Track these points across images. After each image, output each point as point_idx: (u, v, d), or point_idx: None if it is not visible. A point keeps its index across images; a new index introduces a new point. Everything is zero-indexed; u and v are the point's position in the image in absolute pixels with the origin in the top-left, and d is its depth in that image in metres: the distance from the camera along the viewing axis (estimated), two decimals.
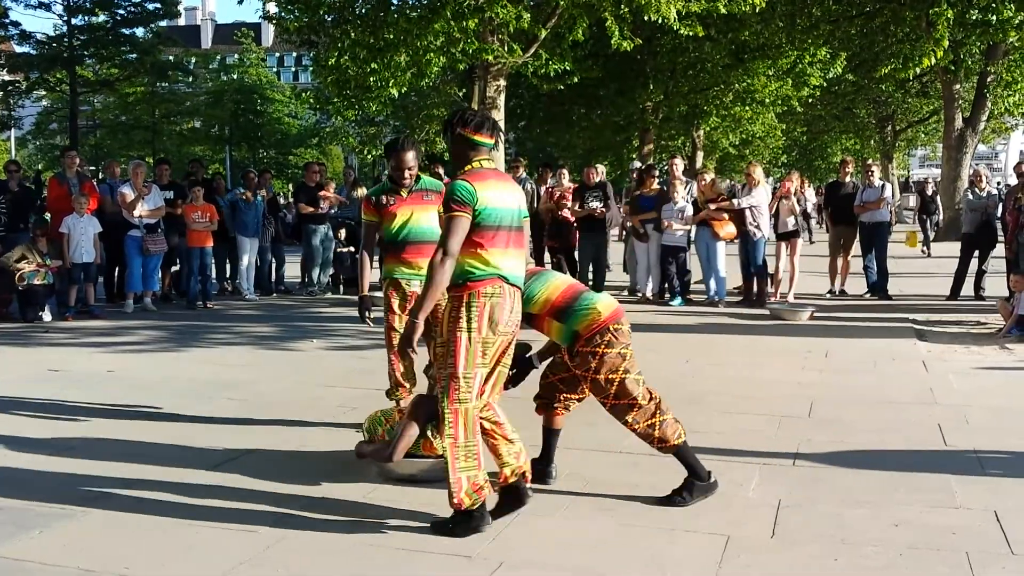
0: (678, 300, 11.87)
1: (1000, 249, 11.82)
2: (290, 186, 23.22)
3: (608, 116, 25.31)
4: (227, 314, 11.70)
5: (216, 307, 12.17)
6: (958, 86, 19.52)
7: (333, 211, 13.56)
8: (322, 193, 13.45)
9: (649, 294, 12.40)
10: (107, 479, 4.84)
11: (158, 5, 32.29)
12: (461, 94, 18.16)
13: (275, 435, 5.75)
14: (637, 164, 16.57)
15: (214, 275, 12.78)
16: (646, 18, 12.83)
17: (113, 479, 4.84)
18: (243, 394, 6.98)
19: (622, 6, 13.24)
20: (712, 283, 11.95)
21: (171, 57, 37.16)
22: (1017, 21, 14.28)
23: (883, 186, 12.88)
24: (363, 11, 14.17)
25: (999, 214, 12.02)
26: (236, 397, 6.88)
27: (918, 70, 14.30)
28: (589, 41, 15.82)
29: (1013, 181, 13.10)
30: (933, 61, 13.63)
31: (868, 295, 12.55)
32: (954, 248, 13.47)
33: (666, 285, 12.17)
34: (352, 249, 13.26)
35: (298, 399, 6.80)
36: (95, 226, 11.26)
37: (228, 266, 13.61)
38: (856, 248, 12.95)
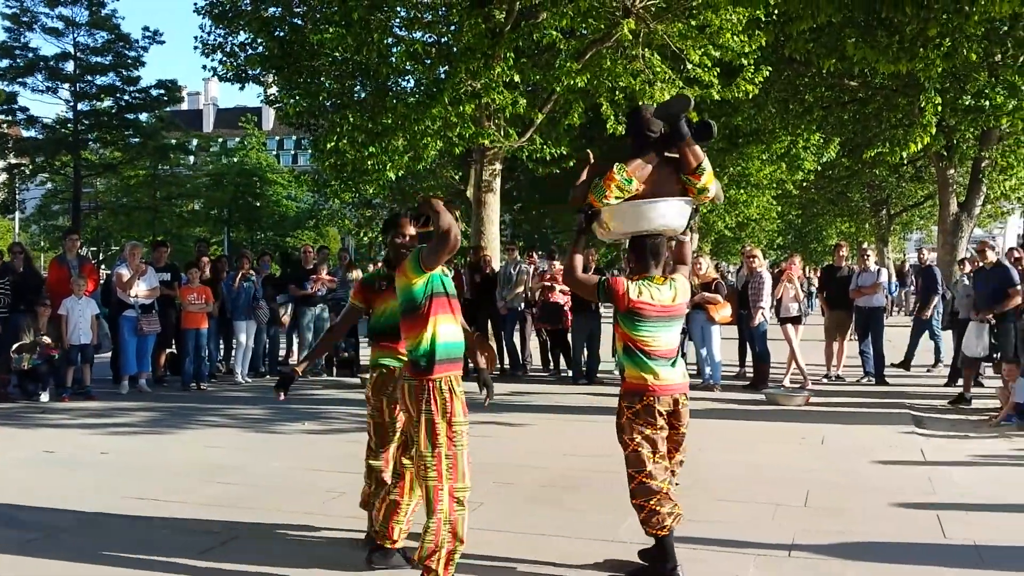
0: None
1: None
2: (287, 269, 23.39)
3: None
4: (220, 396, 11.63)
5: (210, 389, 12.11)
6: (952, 171, 19.72)
7: (323, 292, 13.56)
8: (314, 276, 13.50)
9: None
10: (96, 563, 4.78)
11: (162, 91, 32.87)
12: (457, 177, 18.35)
13: (265, 520, 5.66)
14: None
15: (206, 356, 12.73)
16: (640, 104, 13.02)
17: (102, 563, 4.78)
18: (234, 477, 6.92)
19: (616, 93, 13.48)
20: (707, 367, 11.90)
21: (173, 140, 37.65)
22: (1010, 107, 14.51)
23: (879, 271, 12.92)
24: (362, 96, 14.42)
25: None
26: (227, 480, 6.82)
27: (906, 155, 14.47)
28: (585, 124, 16.06)
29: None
30: (920, 146, 13.81)
31: (864, 380, 12.48)
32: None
33: None
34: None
35: (289, 483, 6.73)
36: (93, 308, 11.31)
37: (222, 348, 13.60)
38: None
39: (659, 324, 4.55)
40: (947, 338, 13.08)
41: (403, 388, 4.44)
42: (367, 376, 5.18)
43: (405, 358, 4.85)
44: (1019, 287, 10.26)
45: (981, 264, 10.93)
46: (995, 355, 10.40)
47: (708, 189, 4.64)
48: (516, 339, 13.72)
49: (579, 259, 4.81)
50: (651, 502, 4.46)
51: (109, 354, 12.21)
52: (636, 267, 4.70)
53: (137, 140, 33.78)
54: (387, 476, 4.98)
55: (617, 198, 4.70)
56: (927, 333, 14.11)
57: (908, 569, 4.75)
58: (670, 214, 4.66)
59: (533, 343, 14.15)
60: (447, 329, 4.38)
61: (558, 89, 13.39)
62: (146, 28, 37.06)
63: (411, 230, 4.92)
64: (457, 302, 4.55)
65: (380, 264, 5.94)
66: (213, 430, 9.23)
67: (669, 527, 4.47)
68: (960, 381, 11.05)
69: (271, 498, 6.24)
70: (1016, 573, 4.73)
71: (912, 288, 13.42)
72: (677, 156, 4.70)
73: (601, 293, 4.74)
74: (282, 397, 5.10)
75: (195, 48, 14.93)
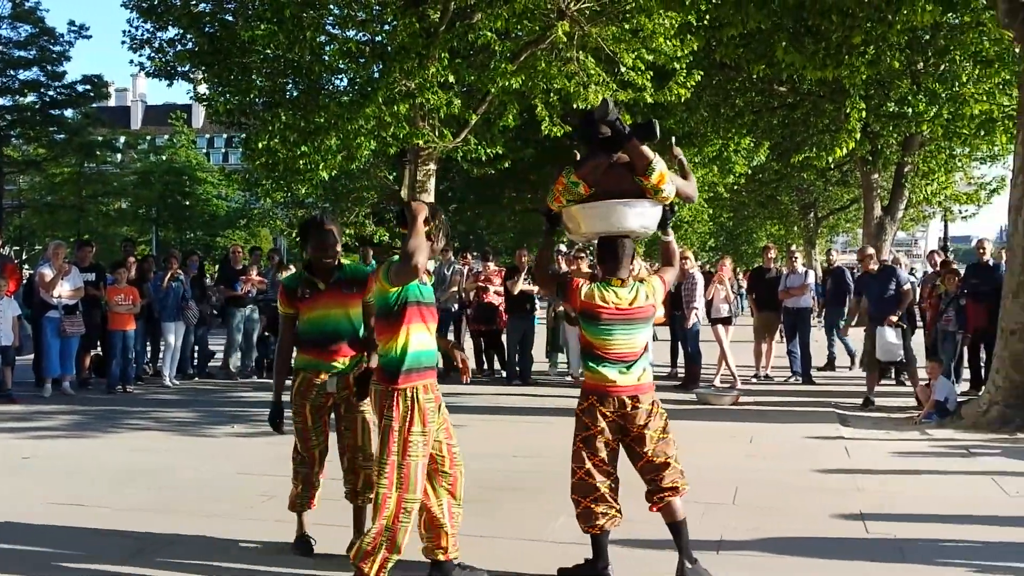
0: None
1: (918, 335, 12.11)
2: (216, 267, 22.99)
3: (540, 199, 25.60)
4: (147, 399, 11.42)
5: (136, 391, 11.85)
6: (876, 175, 20.24)
7: (254, 293, 13.37)
8: (243, 277, 13.30)
9: (582, 378, 12.40)
10: (15, 572, 4.65)
11: (88, 87, 32.08)
12: (392, 177, 18.23)
13: (191, 524, 5.57)
14: (563, 247, 16.75)
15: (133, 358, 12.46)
16: (575, 106, 13.09)
17: (21, 571, 4.65)
18: (160, 481, 6.80)
19: (551, 94, 13.52)
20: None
21: (100, 137, 36.73)
22: (931, 114, 14.94)
23: (806, 272, 13.19)
24: (294, 95, 14.24)
25: (917, 301, 12.36)
26: (153, 485, 6.70)
27: (832, 160, 14.81)
28: (521, 125, 16.08)
29: (930, 269, 13.55)
30: (846, 151, 14.14)
31: (792, 379, 12.72)
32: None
33: None
34: (268, 333, 13.26)
35: (217, 487, 6.63)
36: (14, 309, 10.99)
37: (148, 349, 13.33)
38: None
39: (614, 326, 4.54)
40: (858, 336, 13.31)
41: (371, 392, 4.46)
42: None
43: (334, 364, 4.85)
44: (907, 286, 10.69)
45: (865, 270, 11.19)
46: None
47: (662, 189, 4.61)
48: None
49: (545, 257, 5.01)
50: (587, 499, 4.51)
51: (32, 356, 11.87)
52: (601, 269, 4.73)
53: (62, 137, 32.98)
54: (316, 479, 4.95)
55: (569, 200, 4.73)
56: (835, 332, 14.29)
57: (832, 564, 4.86)
58: (623, 215, 4.63)
59: (468, 344, 14.14)
60: (419, 338, 4.37)
61: (493, 90, 13.38)
62: (72, 22, 36.15)
63: (329, 234, 4.88)
64: (434, 310, 4.53)
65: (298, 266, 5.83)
66: (139, 433, 9.03)
67: (601, 527, 4.51)
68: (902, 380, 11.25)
69: (199, 502, 6.14)
70: (935, 567, 4.86)
71: (823, 289, 13.68)
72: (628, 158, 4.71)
73: (559, 291, 4.80)
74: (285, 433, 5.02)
75: (123, 43, 14.59)
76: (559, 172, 4.85)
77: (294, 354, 5.01)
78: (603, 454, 4.54)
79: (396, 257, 4.36)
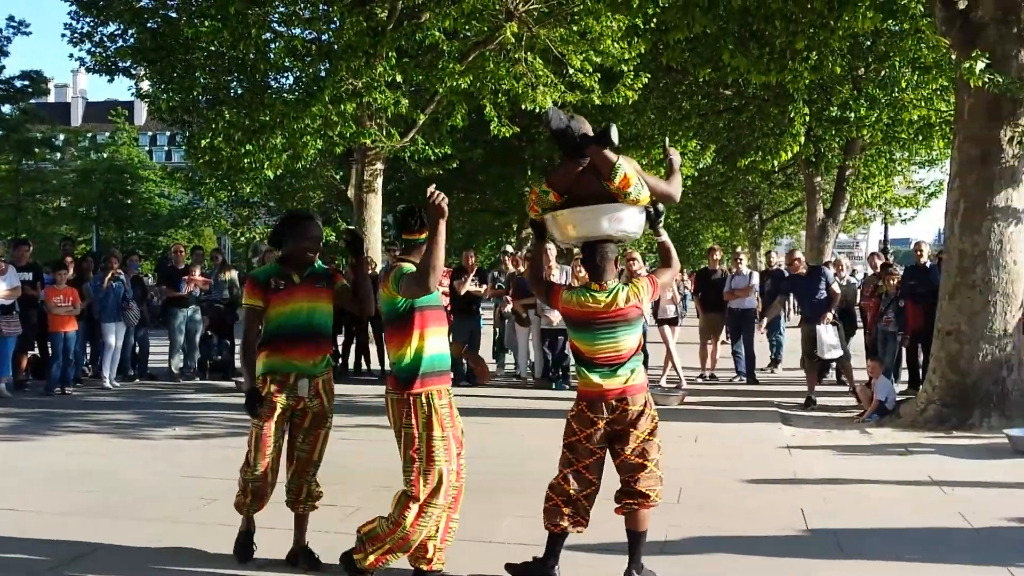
0: (558, 384, 11.93)
1: (859, 335, 12.34)
2: (154, 267, 22.67)
3: (488, 200, 25.64)
4: (86, 401, 11.17)
5: (75, 393, 11.60)
6: (819, 179, 20.59)
7: (197, 293, 13.17)
8: (186, 277, 13.09)
9: (531, 378, 12.43)
10: None
11: (27, 83, 31.35)
12: (338, 177, 18.11)
13: (131, 529, 5.45)
14: (509, 248, 16.77)
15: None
16: (523, 107, 13.12)
17: None
18: (98, 485, 6.66)
19: (500, 95, 13.54)
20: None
21: (39, 134, 35.91)
22: (873, 119, 15.24)
23: (751, 274, 13.35)
24: (239, 93, 14.08)
25: (858, 301, 12.58)
26: (90, 489, 6.56)
27: (777, 163, 15.04)
28: (468, 126, 16.07)
29: (870, 270, 13.78)
30: (790, 155, 14.38)
31: (737, 379, 12.87)
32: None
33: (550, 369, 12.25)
34: (211, 334, 13.04)
35: (157, 491, 6.50)
36: None
37: (88, 350, 13.04)
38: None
39: (594, 329, 4.52)
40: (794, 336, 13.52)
41: (387, 401, 4.42)
42: (242, 380, 4.96)
43: (305, 364, 4.67)
44: (835, 287, 10.98)
45: (795, 272, 11.38)
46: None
47: (628, 192, 4.56)
48: None
49: (536, 265, 5.08)
50: (558, 498, 4.55)
51: None
52: (586, 274, 4.74)
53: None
54: (268, 491, 4.74)
55: (545, 209, 4.75)
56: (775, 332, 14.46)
57: (774, 560, 4.93)
58: (596, 221, 4.61)
59: None
60: (434, 343, 4.37)
61: (441, 90, 13.38)
62: (11, 17, 35.17)
63: (315, 231, 4.77)
64: (443, 313, 4.51)
65: (268, 256, 5.69)
66: (78, 436, 8.82)
67: (563, 528, 4.53)
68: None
69: (138, 507, 6.01)
70: (873, 562, 4.95)
71: (764, 289, 13.86)
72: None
73: (546, 297, 4.85)
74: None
75: (63, 36, 14.29)
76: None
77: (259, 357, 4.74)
78: (587, 461, 4.54)
79: (407, 266, 4.31)
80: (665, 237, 4.92)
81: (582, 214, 4.65)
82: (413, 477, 4.28)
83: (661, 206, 4.90)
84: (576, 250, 5.14)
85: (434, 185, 4.27)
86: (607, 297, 4.52)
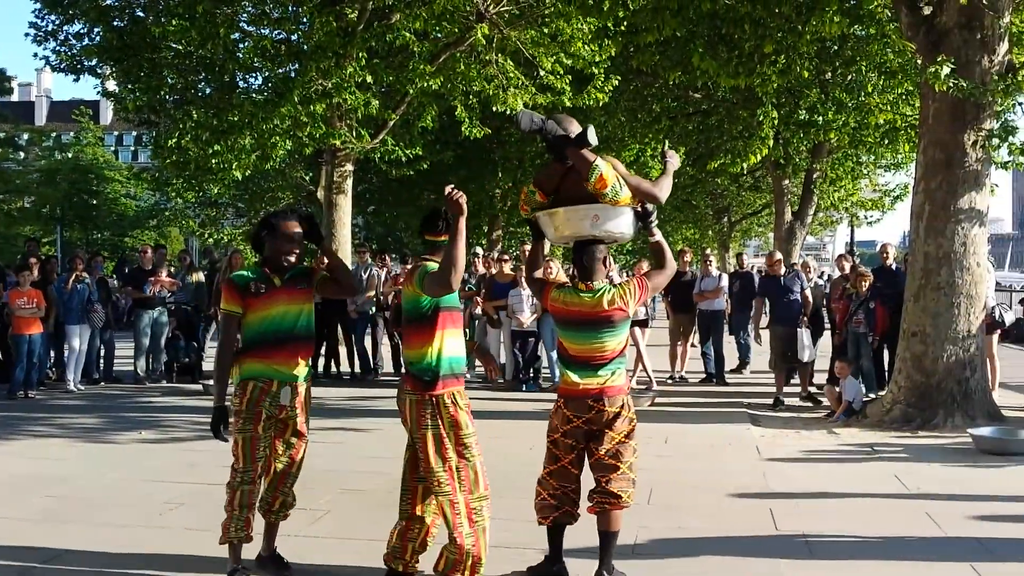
0: (529, 386, 11.93)
1: (826, 336, 12.43)
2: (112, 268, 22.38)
3: None
4: (50, 404, 11.02)
5: (39, 397, 11.44)
6: (787, 181, 20.77)
7: (164, 295, 13.03)
8: (153, 278, 12.95)
9: (501, 380, 12.42)
10: None
11: None
12: (308, 178, 18.00)
13: (95, 535, 5.38)
14: (479, 250, 16.78)
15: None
16: (494, 109, 13.11)
17: None
18: (62, 490, 6.57)
19: (471, 97, 13.52)
20: (557, 369, 12.07)
21: (2, 133, 35.37)
22: (840, 123, 15.40)
23: (720, 276, 13.43)
24: (207, 93, 13.94)
25: (825, 303, 12.68)
26: (54, 493, 6.46)
27: (746, 166, 15.15)
28: (439, 127, 16.04)
29: (838, 272, 13.90)
30: (759, 158, 14.49)
31: (706, 380, 12.94)
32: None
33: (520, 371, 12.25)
34: (179, 335, 12.94)
35: (123, 495, 6.43)
36: None
37: (52, 353, 12.85)
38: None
39: (578, 328, 4.55)
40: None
41: (404, 403, 4.37)
42: (210, 383, 4.88)
43: (287, 370, 4.57)
44: (808, 290, 11.23)
45: (774, 274, 11.48)
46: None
47: (606, 193, 4.53)
48: (367, 343, 13.56)
49: (532, 264, 5.06)
50: (545, 492, 4.65)
51: None
52: (575, 272, 4.77)
53: None
54: (256, 497, 4.61)
55: (534, 209, 4.81)
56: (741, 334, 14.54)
57: (744, 561, 4.96)
58: (580, 221, 4.63)
59: (385, 347, 14.02)
60: (454, 344, 4.35)
61: (411, 91, 13.33)
62: None
63: (296, 229, 4.66)
64: (459, 314, 4.50)
65: (236, 259, 5.62)
66: (42, 440, 8.71)
67: (551, 520, 4.62)
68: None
69: (103, 511, 5.94)
70: (841, 561, 5.00)
71: (733, 291, 13.92)
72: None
73: (538, 295, 4.92)
74: (228, 440, 4.55)
75: (27, 35, 14.07)
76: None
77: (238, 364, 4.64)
78: (569, 456, 4.61)
79: (431, 265, 4.29)
80: (658, 237, 4.87)
81: (565, 214, 4.69)
82: (447, 480, 4.23)
83: (650, 206, 4.87)
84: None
85: (452, 185, 4.24)
86: (592, 298, 4.54)
